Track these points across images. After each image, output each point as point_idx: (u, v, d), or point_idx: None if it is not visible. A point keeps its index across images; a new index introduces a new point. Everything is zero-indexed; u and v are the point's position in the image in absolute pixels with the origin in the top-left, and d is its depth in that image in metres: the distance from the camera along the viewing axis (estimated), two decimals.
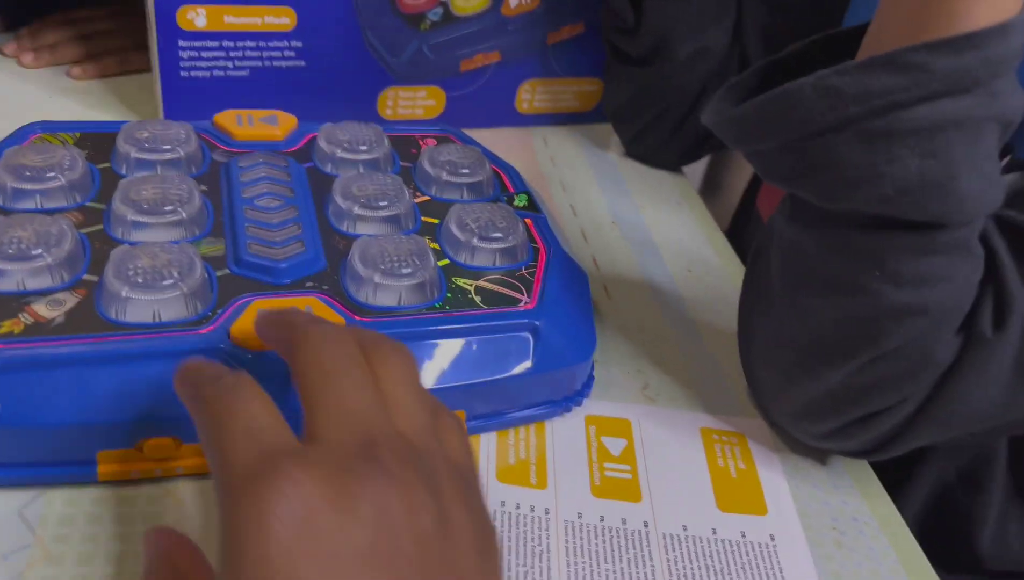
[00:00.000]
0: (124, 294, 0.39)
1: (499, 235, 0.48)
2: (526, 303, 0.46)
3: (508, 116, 0.77)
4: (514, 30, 0.71)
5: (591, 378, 0.49)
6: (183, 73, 0.60)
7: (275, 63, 0.63)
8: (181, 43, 0.59)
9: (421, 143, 0.58)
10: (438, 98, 0.73)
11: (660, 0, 0.65)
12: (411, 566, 0.26)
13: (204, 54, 0.60)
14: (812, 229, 0.41)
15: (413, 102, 0.72)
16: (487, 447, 0.45)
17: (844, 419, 0.44)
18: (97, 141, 0.51)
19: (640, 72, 0.70)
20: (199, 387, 0.30)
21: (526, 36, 0.72)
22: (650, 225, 0.67)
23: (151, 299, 0.39)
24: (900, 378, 0.41)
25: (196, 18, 0.58)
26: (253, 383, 0.30)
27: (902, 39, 0.36)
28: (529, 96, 0.77)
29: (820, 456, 0.48)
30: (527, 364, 0.44)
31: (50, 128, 0.52)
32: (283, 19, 0.62)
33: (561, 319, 0.46)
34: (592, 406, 0.48)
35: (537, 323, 0.45)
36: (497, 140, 0.71)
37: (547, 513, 0.42)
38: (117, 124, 0.53)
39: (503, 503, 0.42)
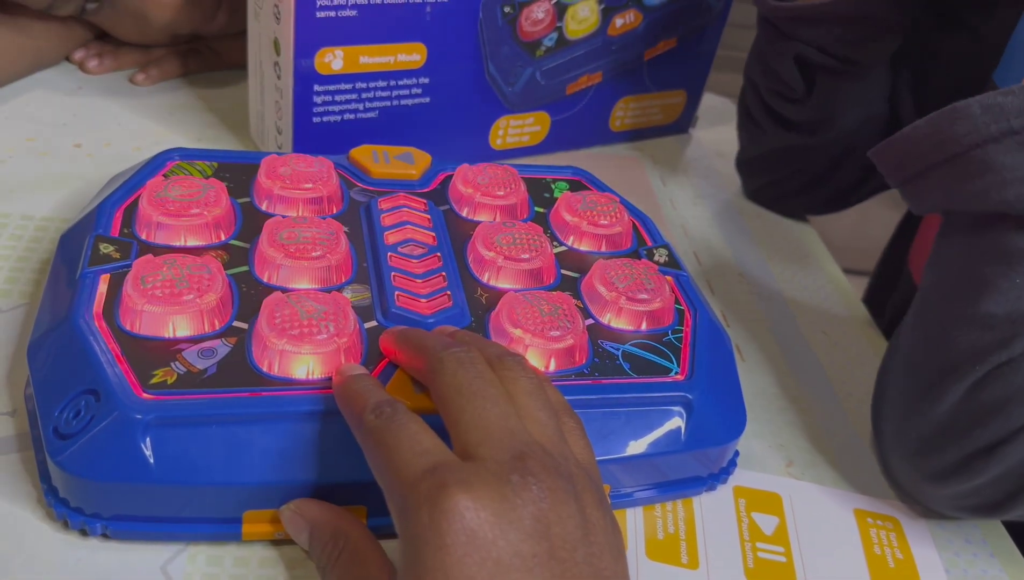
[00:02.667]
0: (279, 347, 0.38)
1: (646, 296, 0.46)
2: (676, 373, 0.44)
3: (602, 135, 0.77)
4: (617, 49, 0.72)
5: (736, 452, 0.46)
6: (315, 119, 0.59)
7: (403, 101, 0.62)
8: (316, 88, 0.58)
9: (553, 186, 0.57)
10: (543, 124, 0.72)
11: (835, 75, 0.62)
12: (564, 571, 0.29)
13: (338, 98, 0.59)
14: (961, 240, 0.43)
15: (521, 129, 0.71)
16: (634, 519, 0.43)
17: (966, 449, 0.41)
18: (235, 172, 0.50)
19: (789, 135, 0.67)
20: (361, 416, 0.33)
21: (627, 54, 0.73)
22: (779, 279, 0.64)
23: (305, 354, 0.38)
24: None
25: (333, 61, 0.57)
26: (408, 410, 0.33)
27: None
28: (622, 113, 0.77)
29: (976, 550, 0.45)
30: (678, 440, 0.42)
31: (187, 156, 0.51)
32: (414, 56, 0.60)
33: (713, 393, 0.44)
34: (739, 477, 0.46)
35: (690, 397, 0.42)
36: (604, 167, 0.70)
37: None
38: (253, 155, 0.52)
39: None
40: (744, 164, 0.73)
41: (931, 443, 0.43)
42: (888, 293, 0.75)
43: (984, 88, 0.44)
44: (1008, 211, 0.39)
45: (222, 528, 0.37)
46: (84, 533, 0.36)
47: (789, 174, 0.70)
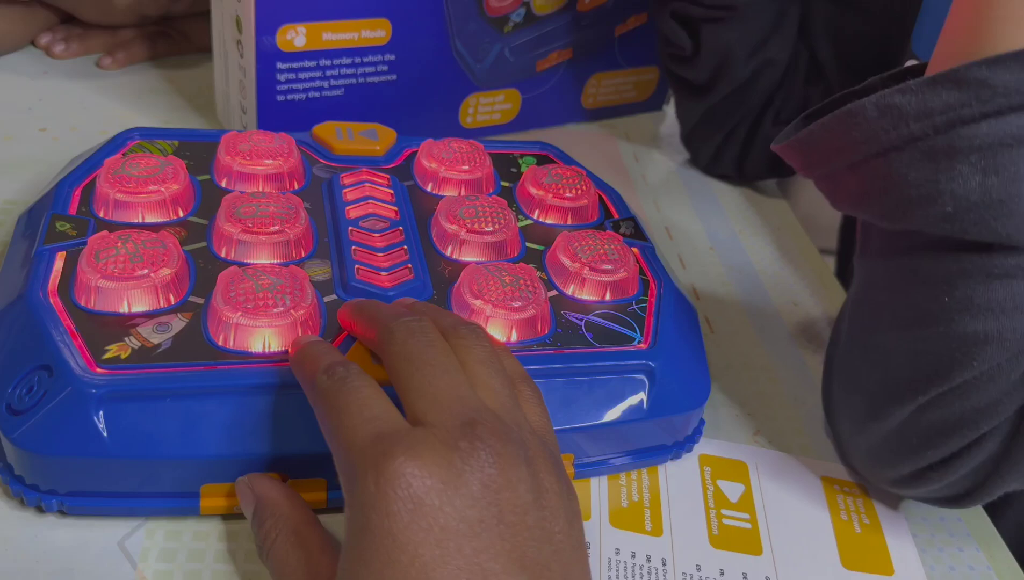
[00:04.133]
0: (234, 321, 0.38)
1: (610, 267, 0.46)
2: (640, 342, 0.44)
3: (575, 112, 0.77)
4: (587, 25, 0.71)
5: (702, 421, 0.46)
6: (280, 97, 0.59)
7: (368, 79, 0.62)
8: (279, 65, 0.57)
9: (520, 161, 0.56)
10: (514, 101, 0.71)
11: (716, 23, 0.63)
12: (513, 535, 0.29)
13: (301, 75, 0.58)
14: (882, 259, 0.40)
15: (492, 108, 0.70)
16: (598, 488, 0.43)
17: (921, 463, 0.40)
18: (196, 150, 0.50)
19: (704, 97, 0.67)
20: (315, 377, 0.33)
21: (597, 30, 0.72)
22: (750, 252, 0.64)
23: (261, 327, 0.38)
24: (976, 414, 0.38)
25: (296, 37, 0.56)
26: (362, 372, 0.33)
27: (965, 55, 0.34)
28: (595, 90, 0.76)
29: (944, 514, 0.45)
30: (641, 408, 0.42)
31: (148, 135, 0.50)
32: (379, 32, 0.60)
33: (676, 361, 0.43)
34: (705, 445, 0.46)
35: (652, 365, 0.42)
36: (577, 144, 0.69)
37: (664, 564, 0.39)
38: (215, 133, 0.51)
39: (617, 551, 0.39)
40: (685, 141, 0.74)
41: (883, 457, 0.42)
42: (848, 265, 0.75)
43: (904, 45, 0.42)
44: (926, 230, 0.36)
45: (180, 502, 0.37)
46: (40, 510, 0.36)
47: (723, 141, 0.70)
